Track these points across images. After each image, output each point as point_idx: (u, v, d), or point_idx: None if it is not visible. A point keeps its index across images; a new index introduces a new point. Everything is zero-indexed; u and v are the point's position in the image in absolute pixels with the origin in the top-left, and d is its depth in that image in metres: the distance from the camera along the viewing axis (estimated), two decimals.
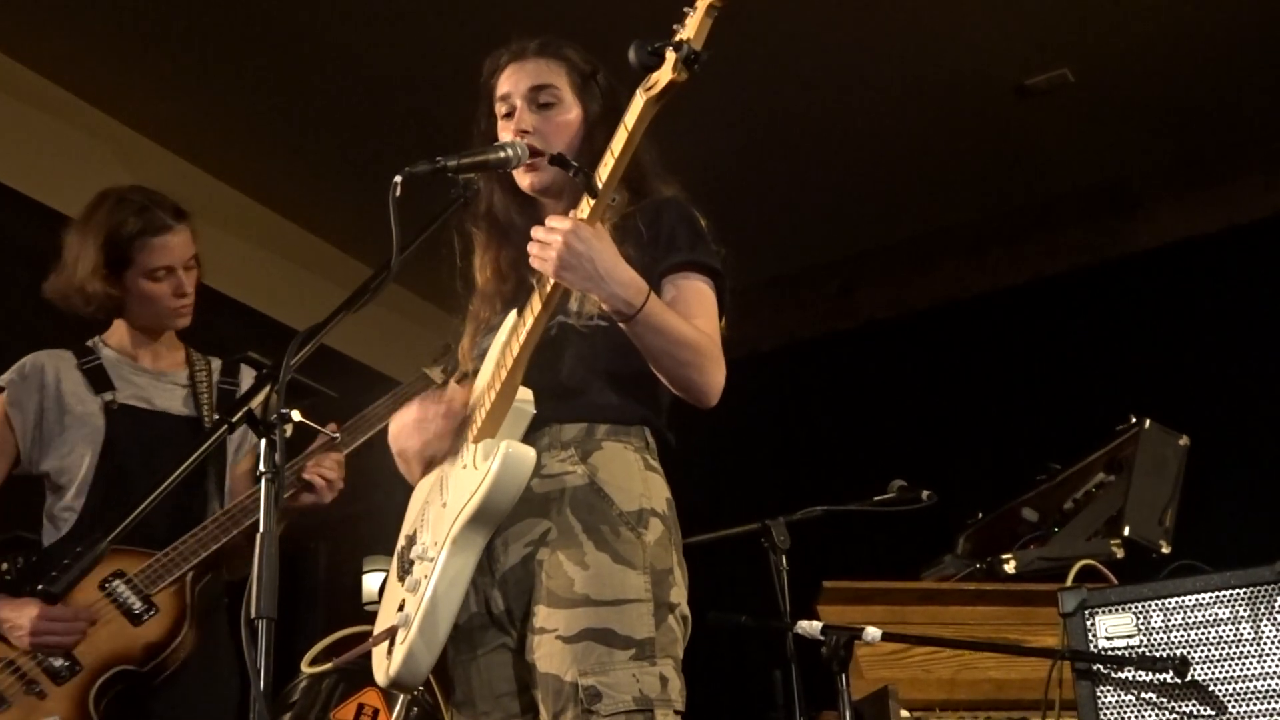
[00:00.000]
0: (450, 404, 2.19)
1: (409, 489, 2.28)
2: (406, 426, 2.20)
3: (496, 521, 2.03)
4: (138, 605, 2.66)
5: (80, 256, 2.78)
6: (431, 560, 2.04)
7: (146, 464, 2.74)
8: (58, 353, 2.88)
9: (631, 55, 1.82)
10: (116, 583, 2.67)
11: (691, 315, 2.08)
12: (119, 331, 2.93)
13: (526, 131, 2.16)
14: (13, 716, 2.56)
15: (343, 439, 2.82)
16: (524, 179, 2.19)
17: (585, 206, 1.96)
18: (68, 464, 2.79)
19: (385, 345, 5.78)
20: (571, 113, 2.21)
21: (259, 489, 2.75)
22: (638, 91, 1.86)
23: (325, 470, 2.72)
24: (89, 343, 2.93)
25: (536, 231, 1.98)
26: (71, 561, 2.10)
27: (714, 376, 2.06)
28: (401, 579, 2.14)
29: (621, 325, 1.99)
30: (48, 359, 2.87)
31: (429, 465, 2.21)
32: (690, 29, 1.79)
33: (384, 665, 2.08)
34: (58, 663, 2.61)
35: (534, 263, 1.98)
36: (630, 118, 1.88)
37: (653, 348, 2.01)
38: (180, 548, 2.68)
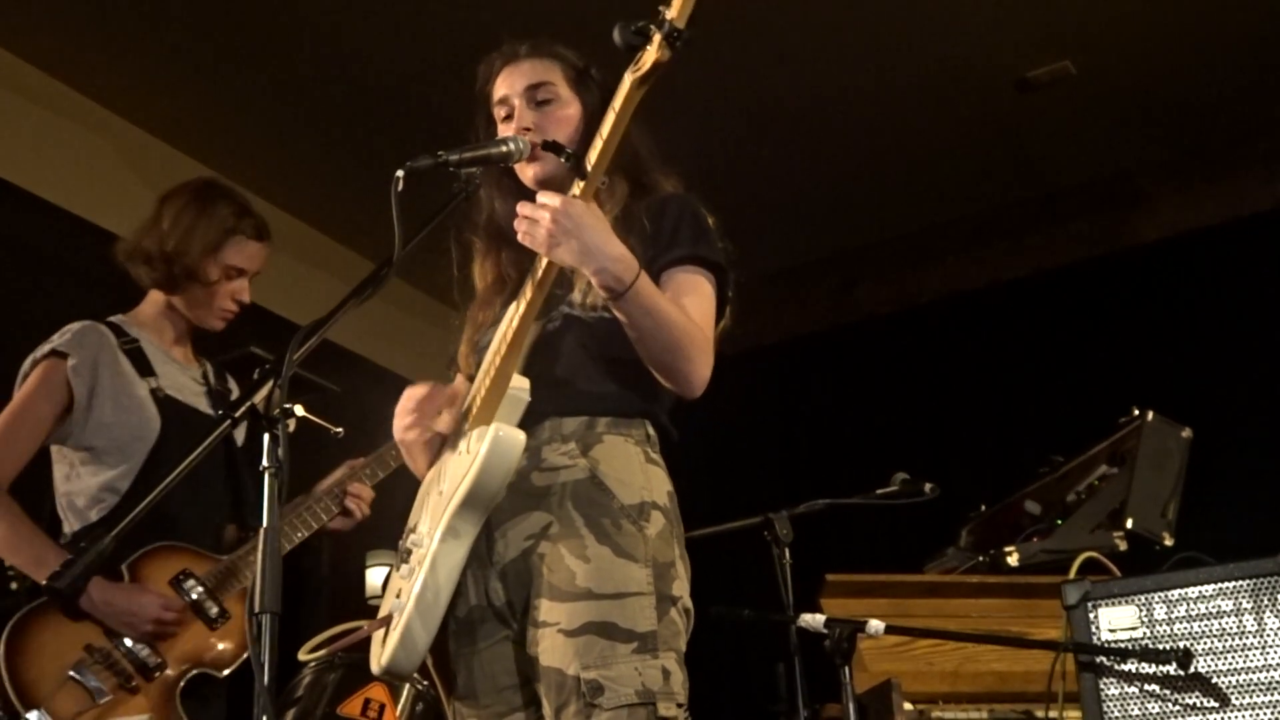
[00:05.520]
0: (452, 395, 2.19)
1: (412, 484, 2.29)
2: (406, 416, 2.20)
3: (489, 505, 2.03)
4: (214, 610, 2.71)
5: (197, 230, 2.86)
6: (425, 547, 2.05)
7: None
8: (99, 327, 2.88)
9: (616, 35, 1.83)
10: (190, 583, 2.70)
11: (685, 306, 2.08)
12: (153, 312, 2.95)
13: (528, 129, 2.16)
14: (107, 709, 2.57)
15: (368, 470, 2.95)
16: (527, 171, 2.19)
17: (576, 189, 1.96)
18: (120, 444, 2.78)
19: (388, 340, 5.78)
20: (570, 108, 2.21)
21: (311, 499, 2.85)
22: (625, 73, 1.86)
23: (364, 502, 2.93)
24: (115, 320, 2.92)
25: (523, 207, 1.96)
26: (75, 557, 2.10)
27: (699, 366, 2.05)
28: (399, 568, 2.14)
29: (611, 304, 1.98)
30: (97, 333, 2.85)
31: (433, 456, 2.21)
32: (674, 8, 1.80)
33: (378, 653, 2.08)
34: (152, 660, 2.63)
35: (522, 239, 1.98)
36: (617, 100, 1.88)
37: (640, 328, 2.00)
38: (246, 557, 2.74)
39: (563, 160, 2.03)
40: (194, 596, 2.69)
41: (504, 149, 2.08)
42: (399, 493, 2.32)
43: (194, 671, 2.67)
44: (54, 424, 2.78)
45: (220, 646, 2.70)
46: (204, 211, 2.89)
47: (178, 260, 2.85)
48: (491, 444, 1.99)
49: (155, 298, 2.95)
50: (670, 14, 1.80)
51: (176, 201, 2.91)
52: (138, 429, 2.79)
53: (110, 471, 2.77)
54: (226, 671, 2.70)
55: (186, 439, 2.74)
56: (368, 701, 3.12)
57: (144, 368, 2.86)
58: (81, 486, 2.79)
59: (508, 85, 2.22)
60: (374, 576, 5.32)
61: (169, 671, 2.64)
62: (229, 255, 2.89)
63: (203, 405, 2.94)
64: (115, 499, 2.75)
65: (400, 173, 1.89)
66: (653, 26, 1.80)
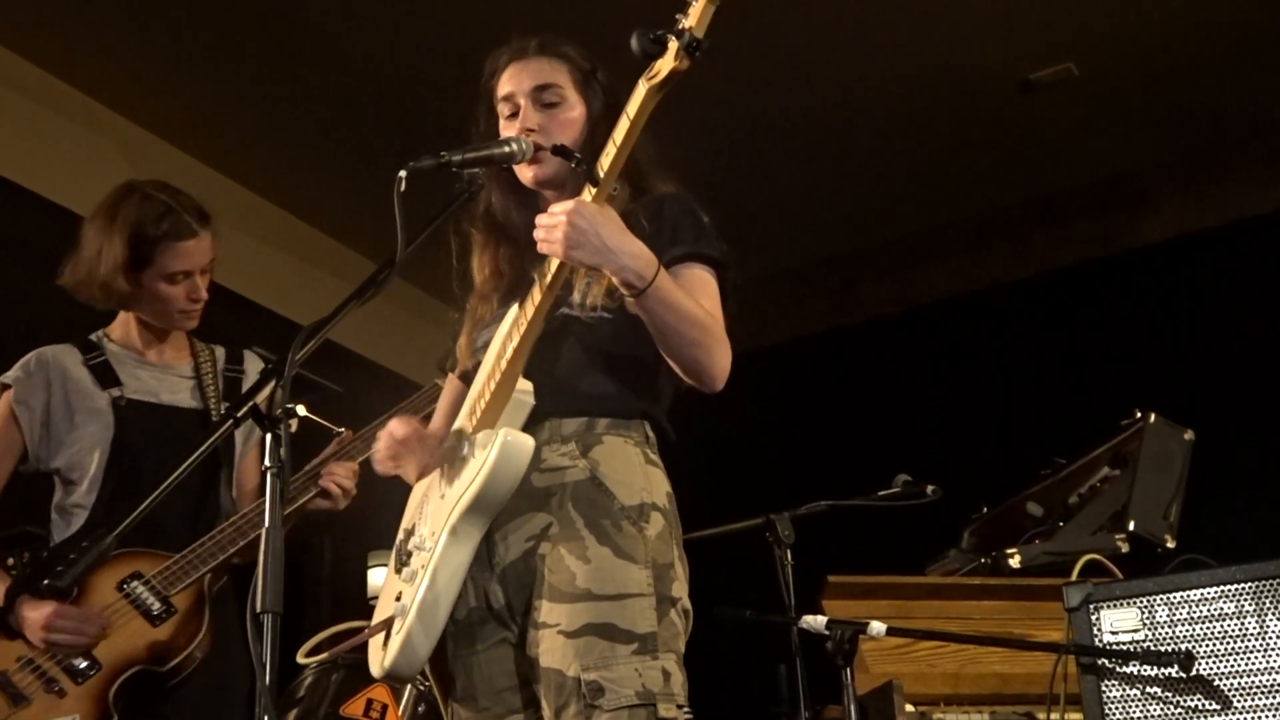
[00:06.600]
0: (433, 440, 2.19)
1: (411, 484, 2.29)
2: (386, 450, 2.19)
3: (494, 510, 2.03)
4: (156, 606, 2.66)
5: (104, 249, 2.76)
6: (429, 551, 2.04)
7: (157, 459, 2.72)
8: (62, 348, 2.87)
9: (634, 43, 1.81)
10: (135, 584, 2.67)
11: (697, 300, 2.08)
12: (124, 325, 2.93)
13: (532, 129, 2.16)
14: (32, 714, 2.56)
15: (357, 446, 2.84)
16: (526, 172, 2.19)
17: (587, 195, 1.96)
18: (78, 460, 2.78)
19: (390, 340, 5.78)
20: (575, 110, 2.20)
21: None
22: (640, 80, 1.85)
23: (340, 479, 2.77)
24: (92, 337, 2.92)
25: (540, 219, 1.97)
26: (77, 557, 2.10)
27: (721, 358, 2.05)
28: (399, 571, 2.14)
29: (631, 300, 1.97)
30: (53, 355, 2.86)
31: (425, 461, 2.20)
32: (693, 17, 1.79)
33: (379, 656, 2.08)
34: (80, 663, 2.60)
35: (541, 248, 1.97)
36: (632, 107, 1.88)
37: (663, 324, 1.99)
38: (199, 550, 2.69)
39: (574, 166, 2.02)
40: (137, 596, 2.65)
41: (507, 150, 2.08)
42: (402, 490, 2.31)
43: (131, 670, 2.62)
44: (14, 455, 2.80)
45: (162, 642, 2.65)
46: (109, 230, 2.76)
47: (98, 285, 2.78)
48: (501, 449, 1.98)
49: (122, 312, 2.93)
50: (689, 23, 1.79)
51: (93, 222, 2.81)
52: (93, 441, 2.78)
53: (77, 489, 2.77)
54: (169, 667, 2.64)
55: (150, 438, 2.76)
56: (370, 702, 3.12)
57: (108, 379, 2.84)
58: (58, 505, 2.81)
59: (514, 83, 2.21)
60: (375, 577, 5.31)
61: (101, 674, 2.61)
62: (163, 264, 2.77)
63: (185, 399, 2.89)
64: (85, 514, 2.75)
65: (403, 173, 1.89)
66: (670, 35, 1.80)
